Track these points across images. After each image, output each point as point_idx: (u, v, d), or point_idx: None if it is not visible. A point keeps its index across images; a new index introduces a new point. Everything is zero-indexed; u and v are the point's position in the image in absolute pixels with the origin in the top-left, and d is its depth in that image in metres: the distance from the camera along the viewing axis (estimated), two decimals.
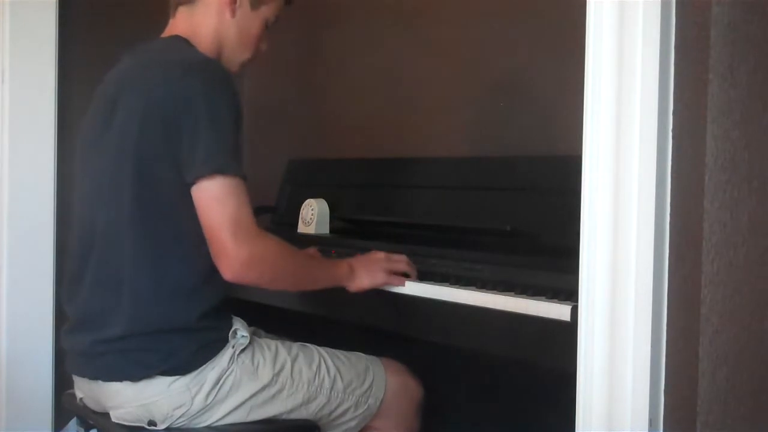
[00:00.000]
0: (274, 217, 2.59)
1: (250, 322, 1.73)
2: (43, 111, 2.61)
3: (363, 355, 1.82)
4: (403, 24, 2.57)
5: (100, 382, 1.65)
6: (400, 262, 1.79)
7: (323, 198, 2.32)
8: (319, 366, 1.73)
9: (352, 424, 1.78)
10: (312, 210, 2.31)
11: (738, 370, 1.15)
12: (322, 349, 1.77)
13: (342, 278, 1.75)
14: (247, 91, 3.20)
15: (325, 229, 2.30)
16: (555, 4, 2.08)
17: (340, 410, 1.75)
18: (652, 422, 1.19)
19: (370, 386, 1.77)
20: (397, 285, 1.76)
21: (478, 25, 2.34)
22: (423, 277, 1.77)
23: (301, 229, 2.32)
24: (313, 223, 2.29)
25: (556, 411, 1.47)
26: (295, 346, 1.75)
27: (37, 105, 2.62)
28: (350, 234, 2.24)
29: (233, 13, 1.75)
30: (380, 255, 1.79)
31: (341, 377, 1.74)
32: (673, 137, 1.18)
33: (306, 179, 2.58)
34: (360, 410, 1.77)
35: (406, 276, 1.77)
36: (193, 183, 1.55)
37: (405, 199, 2.25)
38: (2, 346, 2.60)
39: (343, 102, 2.79)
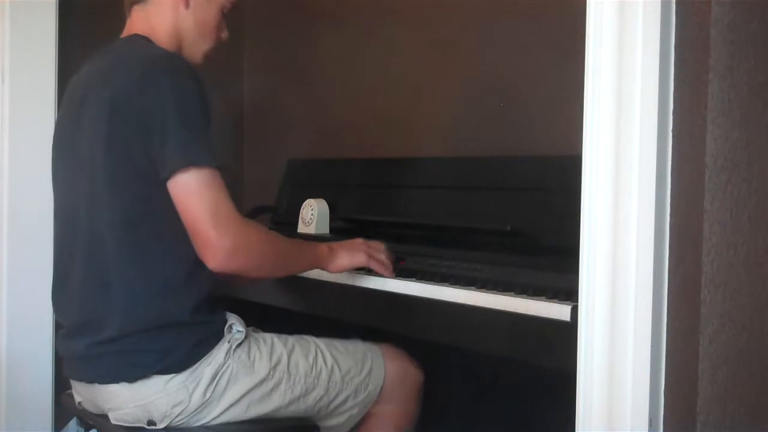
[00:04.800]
0: (274, 217, 2.59)
1: (248, 322, 1.72)
2: (43, 111, 2.61)
3: (361, 342, 1.83)
4: (403, 24, 2.57)
5: (97, 385, 1.65)
6: (379, 250, 1.82)
7: (323, 198, 2.32)
8: (315, 357, 1.73)
9: (354, 411, 1.78)
10: (312, 210, 2.31)
11: (738, 370, 1.15)
12: (318, 340, 1.78)
13: (321, 260, 1.76)
14: (247, 91, 3.20)
15: (325, 229, 2.30)
16: (555, 4, 2.08)
17: (339, 399, 1.75)
18: (652, 422, 1.19)
19: (369, 373, 1.78)
20: (377, 270, 1.79)
21: (477, 25, 2.34)
22: (423, 277, 1.78)
23: (301, 229, 2.32)
24: (313, 223, 2.29)
25: (556, 411, 1.47)
26: (291, 339, 1.75)
27: (37, 105, 2.61)
28: (350, 234, 2.23)
29: (186, 4, 1.74)
30: (359, 240, 1.82)
31: (339, 367, 1.75)
32: (673, 137, 1.18)
33: (306, 179, 2.58)
34: (360, 397, 1.77)
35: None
36: (168, 178, 1.54)
37: (405, 199, 2.24)
38: (2, 347, 2.60)
39: (343, 102, 2.79)
